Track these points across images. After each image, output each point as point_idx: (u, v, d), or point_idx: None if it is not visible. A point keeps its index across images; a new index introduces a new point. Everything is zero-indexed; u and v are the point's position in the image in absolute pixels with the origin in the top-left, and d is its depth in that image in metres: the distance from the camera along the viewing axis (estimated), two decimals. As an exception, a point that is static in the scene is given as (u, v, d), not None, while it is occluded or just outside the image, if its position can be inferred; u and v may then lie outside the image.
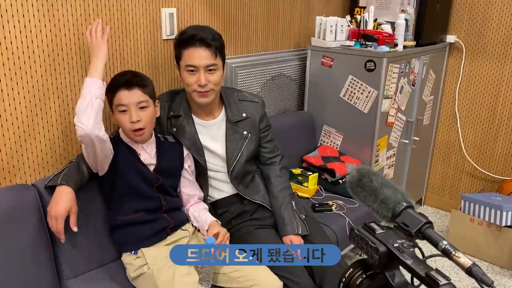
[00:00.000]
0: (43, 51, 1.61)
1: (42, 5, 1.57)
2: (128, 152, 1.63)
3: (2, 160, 1.58)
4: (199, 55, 1.67)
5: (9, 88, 1.55)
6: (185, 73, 1.70)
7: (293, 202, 1.89)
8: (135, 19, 1.88)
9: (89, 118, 1.39)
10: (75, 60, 1.71)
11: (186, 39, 1.69)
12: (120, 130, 1.65)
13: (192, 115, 1.82)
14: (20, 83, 1.58)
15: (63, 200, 1.48)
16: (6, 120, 1.56)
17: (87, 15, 1.71)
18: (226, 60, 2.29)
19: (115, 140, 1.62)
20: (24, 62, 1.57)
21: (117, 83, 1.56)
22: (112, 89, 1.57)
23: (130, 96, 1.55)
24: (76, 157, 1.62)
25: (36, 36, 1.58)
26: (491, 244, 2.68)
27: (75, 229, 1.49)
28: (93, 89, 1.43)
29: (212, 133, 1.83)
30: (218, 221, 1.74)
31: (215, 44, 1.69)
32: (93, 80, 1.45)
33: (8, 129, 1.57)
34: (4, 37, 1.50)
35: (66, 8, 1.64)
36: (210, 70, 1.70)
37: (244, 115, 1.84)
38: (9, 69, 1.54)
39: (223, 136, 1.83)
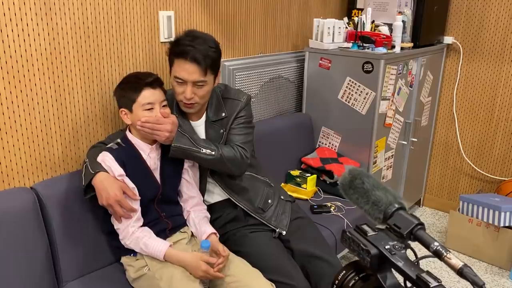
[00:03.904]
0: (41, 54, 1.62)
1: (40, 9, 1.58)
2: (134, 158, 1.63)
3: (0, 163, 1.59)
4: (188, 70, 1.65)
5: (7, 92, 1.56)
6: (174, 82, 1.70)
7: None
8: (133, 22, 1.89)
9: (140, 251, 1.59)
10: (73, 64, 1.72)
11: (178, 52, 1.66)
12: (127, 131, 1.67)
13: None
14: (18, 87, 1.58)
15: (111, 184, 1.50)
16: (5, 123, 1.57)
17: (84, 18, 1.72)
18: (224, 62, 2.32)
19: (123, 141, 1.64)
20: (22, 65, 1.58)
21: (143, 82, 1.60)
22: (135, 87, 1.59)
23: (155, 95, 1.61)
24: (88, 152, 1.66)
25: (34, 40, 1.59)
26: (490, 245, 2.69)
27: (137, 197, 1.57)
28: (155, 255, 1.57)
29: (199, 134, 1.82)
30: (217, 234, 1.71)
31: (207, 62, 1.65)
32: (162, 254, 1.55)
33: (6, 132, 1.58)
34: (2, 41, 1.51)
35: (63, 11, 1.65)
36: (198, 85, 1.68)
37: (223, 114, 1.82)
38: (7, 73, 1.54)
39: (204, 136, 1.82)
